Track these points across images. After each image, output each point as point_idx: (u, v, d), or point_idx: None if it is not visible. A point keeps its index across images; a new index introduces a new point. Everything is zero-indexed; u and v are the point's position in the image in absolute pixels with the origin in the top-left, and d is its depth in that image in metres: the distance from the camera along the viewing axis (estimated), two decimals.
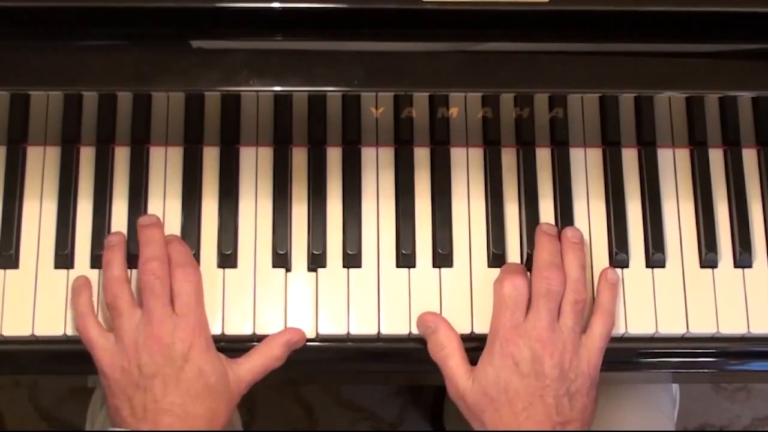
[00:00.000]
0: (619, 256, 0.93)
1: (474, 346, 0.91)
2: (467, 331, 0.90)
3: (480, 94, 0.94)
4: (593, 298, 0.91)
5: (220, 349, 0.88)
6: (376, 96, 0.94)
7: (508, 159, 0.95)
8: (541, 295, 0.86)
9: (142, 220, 0.90)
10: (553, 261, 0.88)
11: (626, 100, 0.96)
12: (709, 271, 0.93)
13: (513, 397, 0.84)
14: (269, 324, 0.90)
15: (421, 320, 0.90)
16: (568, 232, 0.91)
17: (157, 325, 0.84)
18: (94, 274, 0.90)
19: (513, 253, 0.93)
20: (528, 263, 0.92)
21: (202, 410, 0.84)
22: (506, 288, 0.87)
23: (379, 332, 0.91)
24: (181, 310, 0.86)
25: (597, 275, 0.92)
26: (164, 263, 0.87)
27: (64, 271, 0.91)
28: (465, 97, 0.95)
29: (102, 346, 0.86)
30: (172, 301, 0.86)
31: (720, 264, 0.94)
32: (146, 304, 0.86)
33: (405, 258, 0.92)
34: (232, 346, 0.88)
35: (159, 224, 0.90)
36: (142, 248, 0.89)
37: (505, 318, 0.86)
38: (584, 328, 0.88)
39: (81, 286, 0.89)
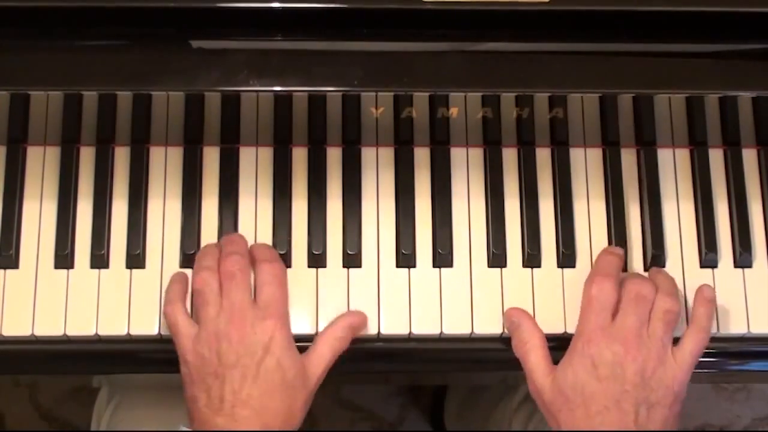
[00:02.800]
0: None
1: (474, 347, 0.91)
2: (467, 331, 0.90)
3: (480, 94, 0.94)
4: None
5: None
6: (376, 96, 0.94)
7: (508, 159, 0.95)
8: (630, 298, 0.85)
9: (225, 236, 0.91)
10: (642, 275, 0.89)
11: (626, 100, 0.96)
12: (709, 271, 0.93)
13: (588, 399, 0.82)
14: None
15: (506, 315, 0.90)
16: (653, 269, 0.92)
17: (238, 314, 0.84)
18: (94, 275, 0.90)
19: (513, 253, 0.93)
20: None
21: (279, 404, 0.83)
22: (594, 290, 0.86)
23: (379, 332, 0.91)
24: (265, 302, 0.86)
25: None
26: (245, 258, 0.88)
27: (64, 271, 0.91)
28: (465, 97, 0.95)
29: (186, 333, 0.86)
30: (254, 296, 0.87)
31: (720, 264, 0.94)
32: (228, 294, 0.85)
33: (405, 258, 0.92)
34: None
35: (242, 237, 0.91)
36: (224, 248, 0.89)
37: (590, 319, 0.85)
38: (675, 343, 0.86)
39: (177, 279, 0.90)
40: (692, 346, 0.85)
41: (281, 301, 0.87)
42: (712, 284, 0.93)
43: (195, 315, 0.87)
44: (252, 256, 0.89)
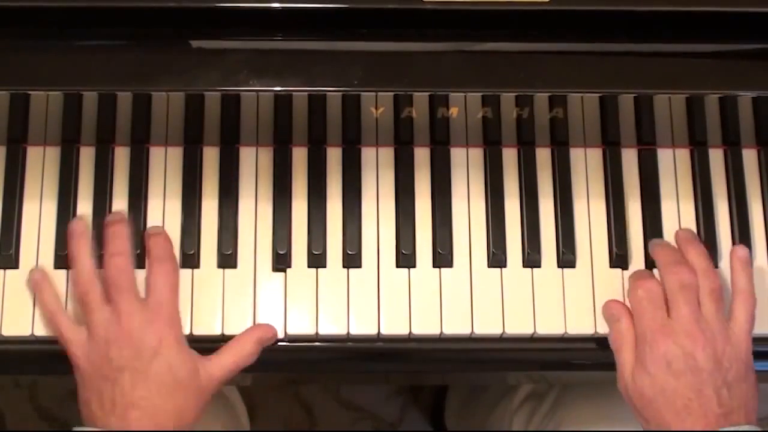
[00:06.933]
0: (618, 256, 0.93)
1: (474, 347, 0.91)
2: (467, 331, 0.90)
3: (480, 94, 0.94)
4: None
5: (215, 349, 0.87)
6: (376, 96, 0.94)
7: (508, 159, 0.95)
8: (675, 290, 0.86)
9: (107, 218, 0.90)
10: (676, 258, 0.88)
11: (626, 100, 0.96)
12: None
13: (671, 397, 0.83)
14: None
15: (607, 307, 0.90)
16: (680, 233, 0.92)
17: (125, 320, 0.84)
18: (96, 274, 0.90)
19: (513, 253, 0.93)
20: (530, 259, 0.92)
21: (170, 405, 0.83)
22: (639, 292, 0.87)
23: (379, 332, 0.91)
24: (154, 304, 0.85)
25: (598, 275, 0.92)
26: (128, 258, 0.87)
27: (64, 271, 0.90)
28: (465, 97, 0.95)
29: (74, 340, 0.85)
30: (144, 294, 0.86)
31: (720, 264, 0.94)
32: (113, 299, 0.85)
33: (405, 258, 0.92)
34: None
35: (124, 221, 0.89)
36: (106, 244, 0.88)
37: (647, 320, 0.86)
38: (728, 316, 0.87)
39: (39, 281, 0.89)
40: (744, 313, 0.87)
41: (170, 302, 0.86)
42: None
43: (83, 318, 0.86)
44: (146, 249, 0.89)
